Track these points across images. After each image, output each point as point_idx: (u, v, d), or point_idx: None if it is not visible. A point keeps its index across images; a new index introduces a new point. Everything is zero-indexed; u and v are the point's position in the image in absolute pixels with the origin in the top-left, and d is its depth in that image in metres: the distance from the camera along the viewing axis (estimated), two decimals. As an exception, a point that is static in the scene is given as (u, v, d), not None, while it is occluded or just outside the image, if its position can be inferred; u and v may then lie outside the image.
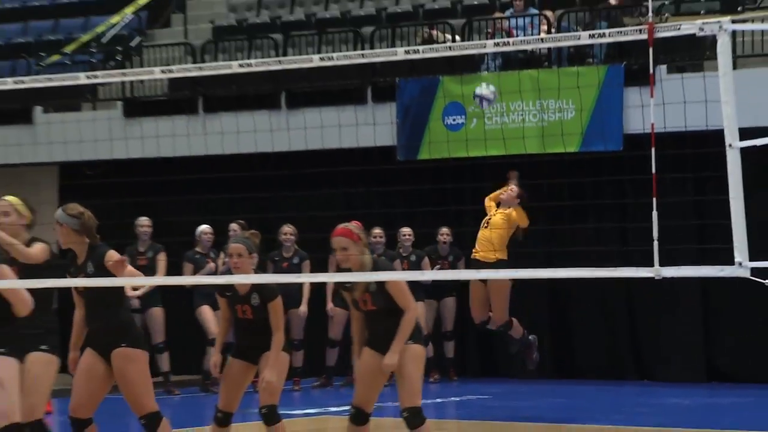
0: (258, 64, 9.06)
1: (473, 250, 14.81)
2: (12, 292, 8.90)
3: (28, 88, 12.77)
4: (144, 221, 18.19)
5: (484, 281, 14.50)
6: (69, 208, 9.95)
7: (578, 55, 18.63)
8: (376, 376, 9.76)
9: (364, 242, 9.80)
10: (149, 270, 17.46)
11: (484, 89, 16.04)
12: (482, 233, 14.79)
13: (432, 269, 18.02)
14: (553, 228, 18.48)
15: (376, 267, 9.86)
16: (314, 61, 10.00)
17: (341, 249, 9.71)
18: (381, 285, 9.58)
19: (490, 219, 14.80)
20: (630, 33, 7.38)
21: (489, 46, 10.63)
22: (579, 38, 9.68)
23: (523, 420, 14.89)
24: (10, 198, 9.63)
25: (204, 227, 18.20)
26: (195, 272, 17.84)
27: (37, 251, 9.50)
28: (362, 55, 10.92)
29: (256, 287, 10.26)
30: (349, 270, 9.74)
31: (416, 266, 18.09)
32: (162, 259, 17.93)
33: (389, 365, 9.56)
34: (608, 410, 15.62)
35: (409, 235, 18.41)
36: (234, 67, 10.36)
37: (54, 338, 9.49)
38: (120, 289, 10.21)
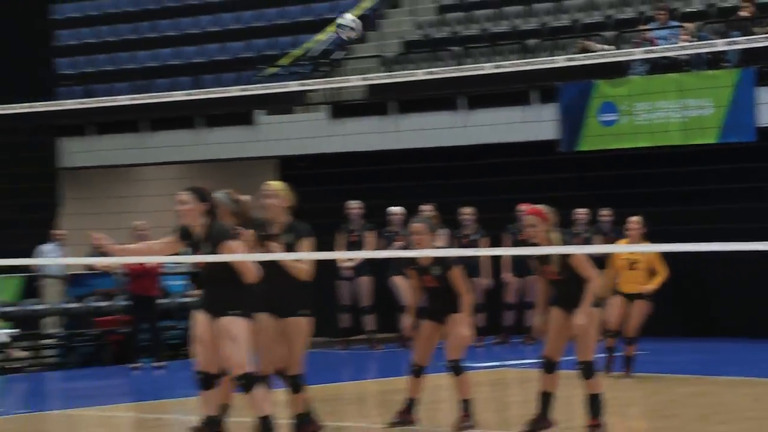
0: (440, 72, 9.14)
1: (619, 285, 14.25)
2: (241, 262, 9.00)
3: (251, 94, 13.08)
4: (354, 204, 18.40)
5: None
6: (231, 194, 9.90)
7: (715, 60, 18.43)
8: (564, 331, 9.89)
9: (551, 222, 9.87)
10: (359, 245, 17.73)
11: (346, 19, 12.87)
12: (630, 274, 14.23)
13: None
14: (698, 209, 18.30)
15: (562, 243, 9.96)
16: (486, 68, 10.06)
17: (530, 226, 9.85)
18: (566, 258, 9.72)
19: (634, 262, 14.19)
20: (759, 40, 7.35)
21: (637, 53, 10.62)
22: (715, 45, 9.61)
23: (672, 373, 14.74)
24: (274, 183, 9.82)
25: (394, 209, 18.35)
26: (387, 248, 17.98)
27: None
28: (528, 63, 10.96)
29: (437, 260, 10.38)
30: (536, 245, 9.88)
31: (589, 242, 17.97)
32: (369, 236, 18.14)
33: (579, 324, 9.70)
34: (747, 363, 15.42)
35: (585, 214, 18.27)
36: (420, 74, 10.45)
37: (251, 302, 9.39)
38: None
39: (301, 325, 9.72)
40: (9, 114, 11.80)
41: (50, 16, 22.53)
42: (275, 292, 9.51)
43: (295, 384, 9.83)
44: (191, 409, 10.99)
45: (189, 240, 9.24)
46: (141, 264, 15.94)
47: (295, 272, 9.48)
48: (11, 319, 17.49)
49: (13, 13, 20.60)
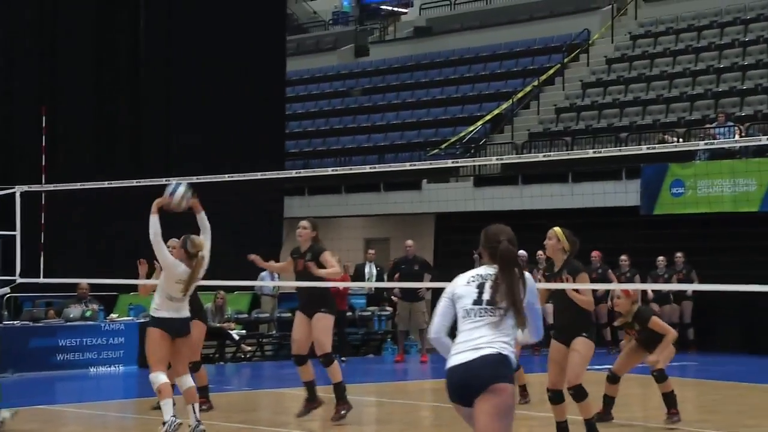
0: (555, 155, 8.79)
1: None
2: (583, 293, 8.07)
3: (419, 168, 12.87)
4: None
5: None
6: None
7: (759, 151, 17.68)
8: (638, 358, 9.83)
9: (635, 298, 9.53)
10: None
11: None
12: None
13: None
14: (743, 259, 17.50)
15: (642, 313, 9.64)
16: (589, 153, 9.68)
17: (617, 297, 9.57)
18: (645, 323, 9.51)
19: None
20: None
21: (701, 145, 10.12)
22: (760, 140, 9.10)
23: (718, 379, 14.04)
24: (555, 229, 8.32)
25: (522, 252, 17.89)
26: None
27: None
28: (619, 150, 10.54)
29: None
30: (620, 314, 9.62)
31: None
32: None
33: (653, 360, 9.62)
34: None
35: (663, 261, 17.53)
36: (540, 156, 9.94)
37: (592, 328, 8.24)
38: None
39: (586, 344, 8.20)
40: (253, 179, 11.89)
41: (282, 111, 22.84)
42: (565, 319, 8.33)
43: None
44: (368, 393, 10.85)
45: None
46: (337, 288, 15.88)
47: (579, 301, 8.17)
48: (242, 323, 17.58)
49: (258, 107, 20.90)
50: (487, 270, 5.06)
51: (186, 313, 8.81)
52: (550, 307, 9.09)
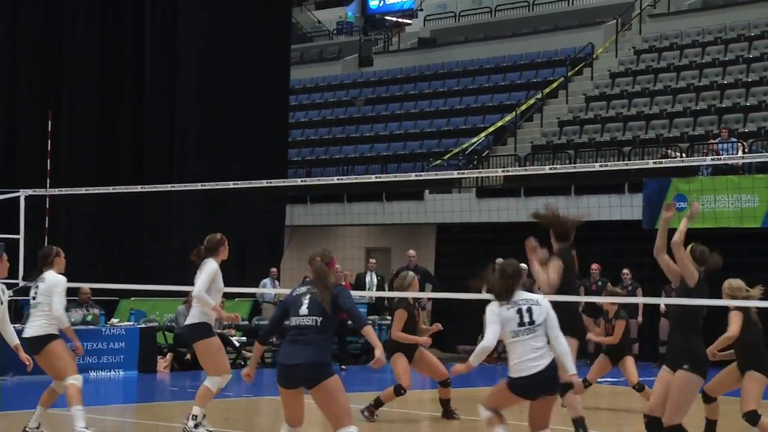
0: (558, 168, 8.74)
1: None
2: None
3: (422, 179, 12.89)
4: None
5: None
6: None
7: (763, 167, 17.67)
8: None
9: None
10: None
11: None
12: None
13: None
14: (745, 275, 17.43)
15: None
16: (593, 167, 9.68)
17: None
18: None
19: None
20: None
21: (705, 160, 10.11)
22: (764, 156, 9.10)
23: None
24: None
25: (522, 265, 17.83)
26: None
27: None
28: (623, 164, 10.54)
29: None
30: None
31: None
32: None
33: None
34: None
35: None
36: (544, 169, 9.87)
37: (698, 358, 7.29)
38: None
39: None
40: (257, 187, 11.89)
41: (286, 120, 22.86)
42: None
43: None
44: (363, 401, 10.80)
45: None
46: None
47: None
48: (242, 330, 17.52)
49: (261, 117, 20.92)
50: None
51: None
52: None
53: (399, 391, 10.34)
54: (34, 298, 8.94)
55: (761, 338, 8.04)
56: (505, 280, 7.05)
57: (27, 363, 8.50)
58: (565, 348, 6.98)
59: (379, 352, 6.70)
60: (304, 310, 6.66)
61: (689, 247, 7.65)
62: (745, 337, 8.52)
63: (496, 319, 6.88)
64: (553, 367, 6.88)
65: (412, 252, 17.01)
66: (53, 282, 8.83)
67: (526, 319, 6.89)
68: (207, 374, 9.15)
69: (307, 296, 6.71)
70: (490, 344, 6.83)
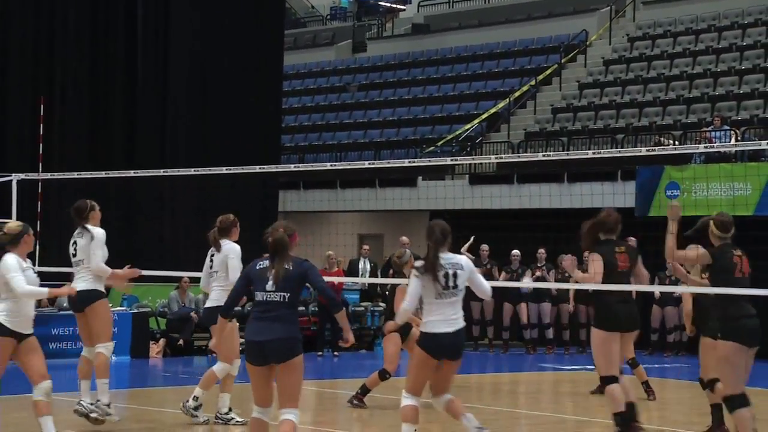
0: (552, 155, 8.71)
1: None
2: None
3: (416, 165, 12.86)
4: (484, 247, 17.52)
5: None
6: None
7: (755, 155, 17.71)
8: None
9: None
10: (486, 278, 17.14)
11: None
12: None
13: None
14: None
15: None
16: (586, 154, 9.66)
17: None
18: None
19: None
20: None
21: (698, 148, 10.12)
22: (758, 144, 9.12)
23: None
24: None
25: (515, 251, 17.87)
26: (509, 279, 17.36)
27: None
28: (617, 151, 10.52)
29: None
30: None
31: None
32: (495, 271, 17.58)
33: None
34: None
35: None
36: (538, 156, 9.85)
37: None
38: None
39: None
40: (249, 173, 11.86)
41: (279, 105, 22.82)
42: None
43: None
44: (354, 387, 10.81)
45: None
46: (332, 283, 15.94)
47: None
48: (236, 315, 17.41)
49: (254, 102, 20.84)
50: None
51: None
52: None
53: (384, 375, 10.35)
54: (74, 255, 8.82)
55: (711, 304, 8.01)
56: (434, 241, 7.02)
57: (70, 292, 8.03)
58: (488, 288, 7.36)
59: (348, 334, 6.88)
60: (270, 285, 6.52)
61: (710, 224, 7.89)
62: (696, 306, 8.89)
63: (418, 282, 6.99)
64: (462, 334, 7.04)
65: (405, 239, 17.01)
66: (93, 234, 8.73)
67: (451, 283, 7.02)
68: (218, 359, 9.14)
69: (273, 271, 6.54)
70: (411, 307, 7.04)
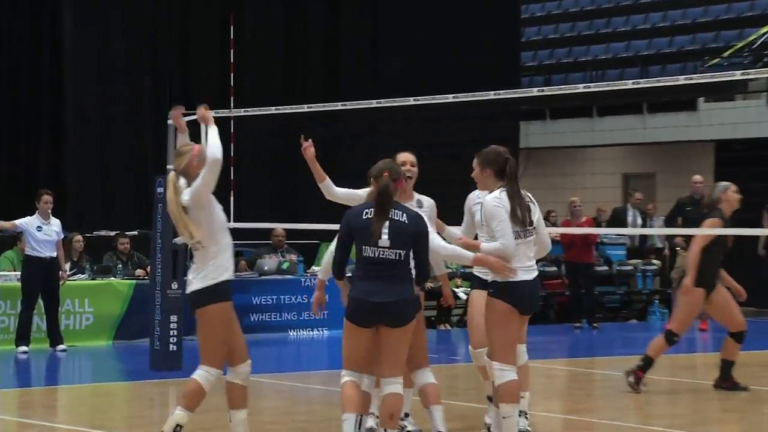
0: None
1: None
2: None
3: (695, 83, 12.66)
4: None
5: None
6: None
7: None
8: None
9: None
10: None
11: None
12: None
13: None
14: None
15: None
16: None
17: None
18: None
19: None
20: None
21: None
22: None
23: None
24: None
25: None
26: None
27: None
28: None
29: None
30: None
31: None
32: None
33: None
34: None
35: None
36: None
37: None
38: None
39: None
40: (480, 101, 11.81)
41: (517, 14, 22.65)
42: None
43: None
44: (618, 366, 10.63)
45: None
46: (574, 234, 15.99)
47: None
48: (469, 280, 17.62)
49: (485, 12, 20.80)
50: None
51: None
52: None
53: (671, 338, 10.27)
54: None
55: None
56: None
57: None
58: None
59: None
60: (384, 241, 6.82)
61: None
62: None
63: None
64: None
65: (698, 177, 16.41)
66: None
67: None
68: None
69: (386, 224, 6.82)
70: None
